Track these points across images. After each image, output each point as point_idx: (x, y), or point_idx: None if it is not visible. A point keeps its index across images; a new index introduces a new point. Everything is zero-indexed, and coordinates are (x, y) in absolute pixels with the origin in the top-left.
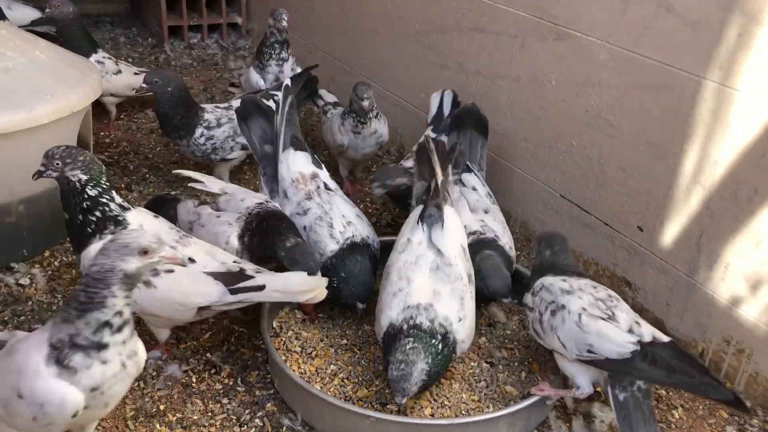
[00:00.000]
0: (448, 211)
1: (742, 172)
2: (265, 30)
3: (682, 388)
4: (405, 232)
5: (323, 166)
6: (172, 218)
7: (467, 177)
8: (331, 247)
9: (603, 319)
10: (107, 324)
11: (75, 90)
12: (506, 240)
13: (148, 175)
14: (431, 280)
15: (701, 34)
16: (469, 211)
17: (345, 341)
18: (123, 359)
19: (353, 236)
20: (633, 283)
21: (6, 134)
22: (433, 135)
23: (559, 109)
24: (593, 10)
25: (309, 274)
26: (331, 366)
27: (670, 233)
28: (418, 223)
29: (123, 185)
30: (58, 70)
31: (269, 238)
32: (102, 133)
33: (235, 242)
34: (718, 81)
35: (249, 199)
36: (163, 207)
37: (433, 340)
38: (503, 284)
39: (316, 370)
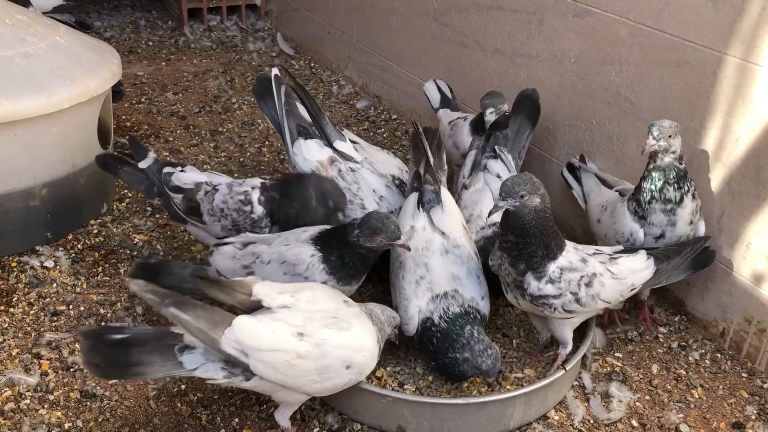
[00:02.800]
0: (444, 193)
1: (765, 149)
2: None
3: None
4: (406, 220)
5: (340, 134)
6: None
7: (492, 164)
8: None
9: (613, 258)
10: None
11: (95, 74)
12: None
13: (169, 159)
14: (446, 264)
15: (723, 8)
16: (492, 201)
17: None
18: None
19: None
20: None
21: (28, 119)
22: (454, 115)
23: (579, 87)
24: None
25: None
26: None
27: None
28: (418, 207)
29: None
30: (78, 54)
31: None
32: (123, 117)
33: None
34: (740, 56)
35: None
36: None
37: (474, 315)
38: None
39: None
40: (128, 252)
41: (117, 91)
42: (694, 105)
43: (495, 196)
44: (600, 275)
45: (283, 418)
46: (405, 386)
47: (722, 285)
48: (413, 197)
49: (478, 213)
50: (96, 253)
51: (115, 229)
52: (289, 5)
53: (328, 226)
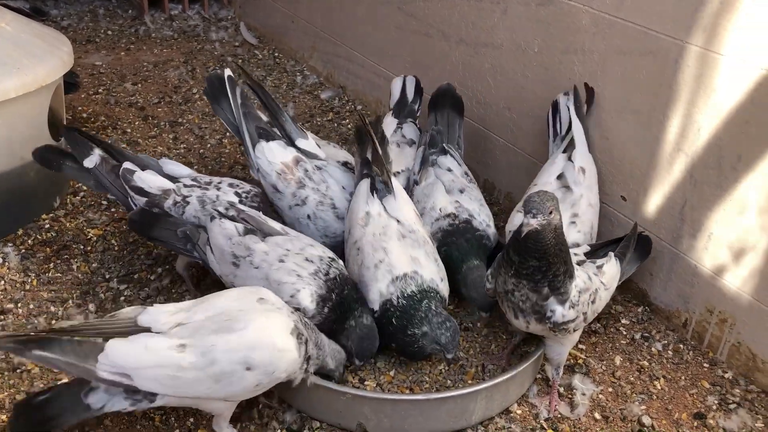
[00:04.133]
0: (394, 182)
1: (726, 139)
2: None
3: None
4: (359, 206)
5: (301, 132)
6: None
7: (442, 159)
8: (341, 227)
9: (601, 267)
10: None
11: (44, 63)
12: (482, 218)
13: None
14: (404, 248)
15: None
16: (444, 193)
17: None
18: None
19: None
20: None
21: None
22: (395, 121)
23: (542, 77)
24: None
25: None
26: None
27: (654, 202)
28: (371, 194)
29: None
30: (26, 42)
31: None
32: (79, 108)
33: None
34: (701, 45)
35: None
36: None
37: (435, 293)
38: (487, 302)
39: None
40: (81, 247)
41: (72, 83)
42: (657, 94)
43: (447, 187)
44: (598, 290)
45: (219, 428)
46: (366, 382)
47: (684, 275)
48: (365, 183)
49: (431, 205)
50: (48, 249)
51: (68, 224)
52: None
53: (338, 273)
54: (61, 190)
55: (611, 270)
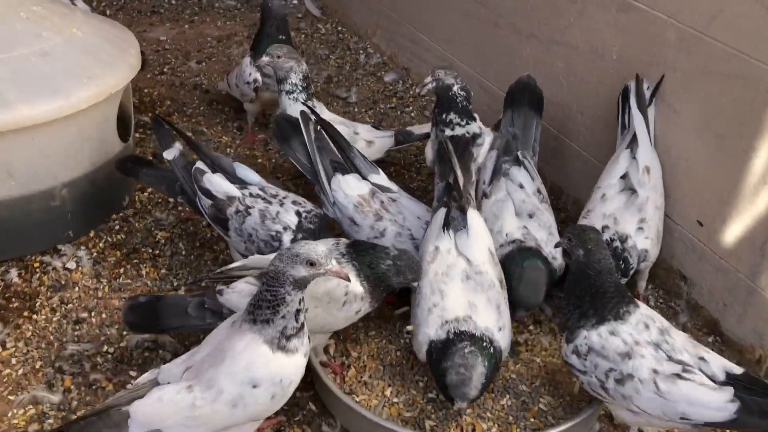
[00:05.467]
0: (471, 214)
1: None
2: None
3: None
4: (430, 239)
5: (373, 167)
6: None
7: (515, 172)
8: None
9: (681, 376)
10: (299, 311)
11: (113, 70)
12: (550, 249)
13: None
14: (465, 291)
15: None
16: (513, 215)
17: (390, 353)
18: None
19: None
20: (689, 278)
21: (45, 123)
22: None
23: (619, 87)
24: None
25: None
26: (373, 378)
27: (732, 233)
28: (443, 230)
29: None
30: (96, 47)
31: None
32: (146, 90)
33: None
34: None
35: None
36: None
37: (485, 344)
38: (533, 301)
39: (359, 379)
40: (150, 251)
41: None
42: (744, 122)
43: (517, 208)
44: (639, 380)
45: None
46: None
47: (762, 311)
48: (441, 214)
49: (498, 228)
50: (118, 252)
51: (137, 224)
52: None
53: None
54: (130, 188)
55: (697, 394)
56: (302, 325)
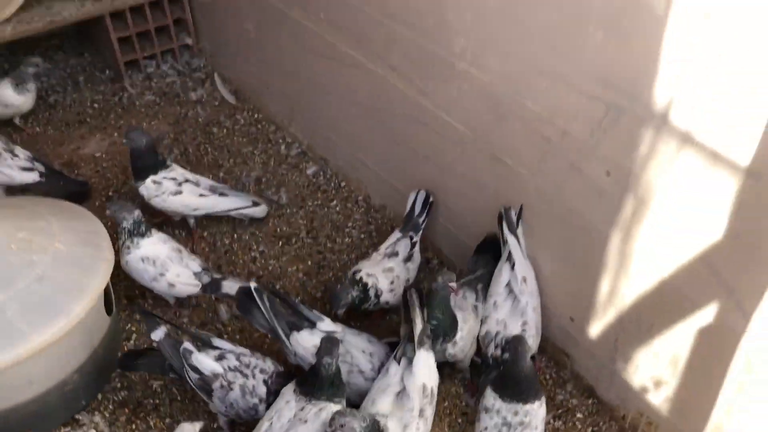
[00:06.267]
0: (421, 355)
1: (646, 310)
2: None
3: None
4: (390, 362)
5: (318, 316)
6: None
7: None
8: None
9: None
10: None
11: (96, 273)
12: None
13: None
14: (391, 406)
15: None
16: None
17: None
18: None
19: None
20: (570, 355)
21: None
22: (399, 234)
23: (497, 211)
24: None
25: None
26: None
27: (594, 329)
28: (394, 358)
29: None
30: (78, 256)
31: None
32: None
33: None
34: None
35: None
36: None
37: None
38: None
39: None
40: (151, 401)
41: (83, 192)
42: (589, 247)
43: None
44: None
45: None
46: None
47: (621, 386)
48: (401, 347)
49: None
50: (126, 409)
51: (133, 377)
52: (222, 47)
53: None
54: (118, 345)
55: None
56: None
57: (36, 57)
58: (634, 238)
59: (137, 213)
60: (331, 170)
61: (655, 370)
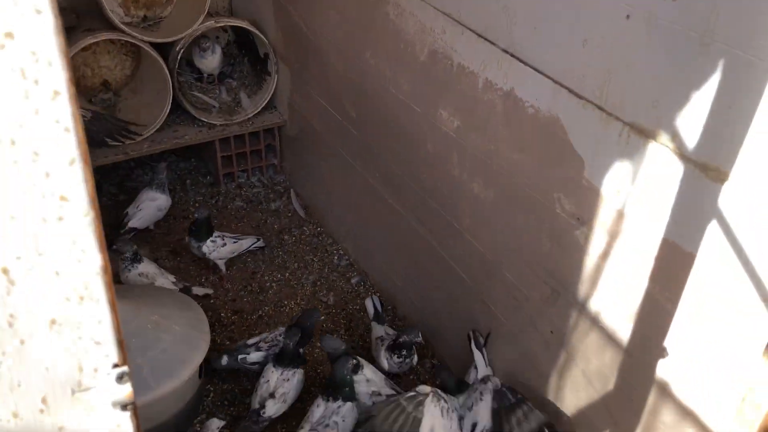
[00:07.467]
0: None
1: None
2: None
3: None
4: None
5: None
6: None
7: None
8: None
9: None
10: None
11: (199, 349)
12: None
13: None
14: None
15: None
16: None
17: None
18: None
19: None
20: None
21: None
22: (381, 328)
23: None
24: None
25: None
26: None
27: None
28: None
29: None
30: (188, 336)
31: None
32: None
33: None
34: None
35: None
36: None
37: None
38: None
39: None
40: None
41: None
42: (542, 373)
43: None
44: None
45: None
46: None
47: None
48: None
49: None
50: None
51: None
52: (299, 169)
53: None
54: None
55: None
56: None
57: (164, 163)
58: (565, 382)
59: (135, 247)
60: (370, 282)
61: None
